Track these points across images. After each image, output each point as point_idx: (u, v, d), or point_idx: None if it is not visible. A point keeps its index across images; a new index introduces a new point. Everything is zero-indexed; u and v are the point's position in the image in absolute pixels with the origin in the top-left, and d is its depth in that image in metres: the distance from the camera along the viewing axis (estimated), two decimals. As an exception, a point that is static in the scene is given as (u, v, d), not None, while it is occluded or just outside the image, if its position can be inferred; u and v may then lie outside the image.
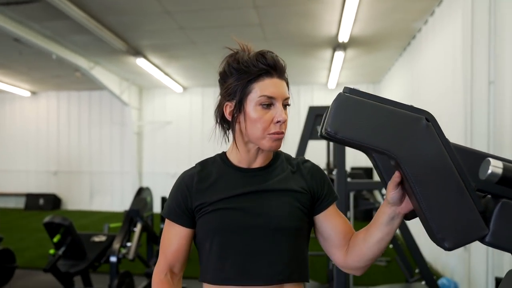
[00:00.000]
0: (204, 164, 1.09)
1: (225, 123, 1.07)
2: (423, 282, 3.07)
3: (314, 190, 1.07)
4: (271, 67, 0.98)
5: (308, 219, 1.06)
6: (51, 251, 3.26)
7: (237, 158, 1.06)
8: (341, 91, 0.79)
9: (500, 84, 2.98)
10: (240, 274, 0.98)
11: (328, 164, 4.39)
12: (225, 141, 1.09)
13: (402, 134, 0.74)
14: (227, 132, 1.08)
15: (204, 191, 1.03)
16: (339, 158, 2.69)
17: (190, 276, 4.35)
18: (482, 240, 0.72)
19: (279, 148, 1.02)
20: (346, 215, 2.57)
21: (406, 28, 5.10)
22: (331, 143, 3.44)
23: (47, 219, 3.25)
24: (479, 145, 3.07)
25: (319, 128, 2.93)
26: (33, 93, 9.96)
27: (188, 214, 1.04)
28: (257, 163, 1.05)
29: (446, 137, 0.75)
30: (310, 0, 4.28)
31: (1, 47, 5.99)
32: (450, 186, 0.73)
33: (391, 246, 3.28)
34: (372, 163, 0.95)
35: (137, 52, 6.23)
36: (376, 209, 3.23)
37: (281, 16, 4.78)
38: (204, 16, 4.76)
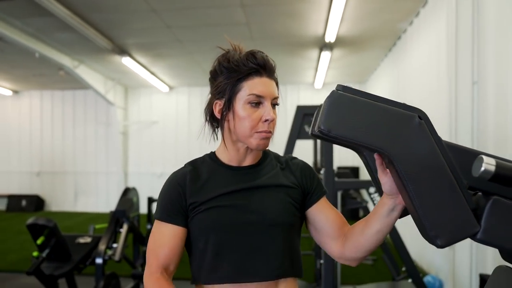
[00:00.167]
0: (194, 164, 1.08)
1: (214, 121, 1.08)
2: (410, 280, 3.10)
3: (304, 185, 1.08)
4: (260, 66, 0.99)
5: (300, 214, 1.07)
6: (35, 254, 3.19)
7: (227, 157, 1.06)
8: (334, 88, 0.79)
9: (483, 84, 3.03)
10: (237, 272, 0.97)
11: (315, 163, 4.40)
12: (214, 140, 1.10)
13: (395, 132, 0.74)
14: (216, 131, 1.09)
15: (197, 190, 1.02)
16: (327, 158, 2.69)
17: (180, 278, 4.34)
18: (473, 237, 0.73)
19: (266, 147, 1.03)
20: (334, 214, 2.57)
21: (392, 28, 5.15)
22: (318, 143, 3.45)
23: (30, 220, 3.18)
24: (463, 144, 3.10)
25: (307, 128, 2.94)
26: (15, 92, 9.76)
27: (183, 212, 1.02)
28: (247, 162, 1.06)
29: (439, 135, 0.76)
30: (297, 0, 4.29)
31: (-18, 45, 5.86)
32: (443, 184, 0.73)
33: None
34: (363, 161, 0.95)
35: (123, 51, 6.16)
36: (364, 208, 3.25)
37: (268, 16, 4.78)
38: (191, 14, 4.73)
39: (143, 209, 6.03)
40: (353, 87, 0.77)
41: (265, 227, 1.00)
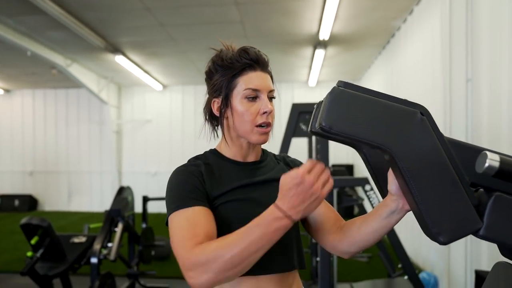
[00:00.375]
0: (201, 158, 1.07)
1: (214, 120, 1.09)
2: (406, 277, 3.12)
3: None
4: (254, 61, 1.01)
5: None
6: (29, 254, 3.17)
7: (231, 153, 1.06)
8: (335, 85, 0.78)
9: (477, 81, 3.05)
10: (255, 266, 0.94)
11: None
12: (214, 138, 1.10)
13: (397, 128, 0.73)
14: (216, 129, 1.10)
15: (213, 183, 1.00)
16: (322, 155, 2.70)
17: (173, 276, 4.33)
18: (476, 234, 0.73)
19: (267, 141, 1.03)
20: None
21: (386, 26, 5.17)
22: (314, 141, 3.45)
23: (24, 220, 3.15)
24: (458, 141, 3.12)
25: (302, 126, 2.94)
26: (7, 91, 9.66)
27: (207, 198, 0.97)
28: (251, 158, 1.08)
29: (440, 131, 0.76)
30: (291, -2, 4.29)
31: (-27, 43, 5.79)
32: (445, 180, 0.73)
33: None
34: (363, 158, 0.95)
35: (116, 49, 6.12)
36: (359, 205, 3.26)
37: (262, 14, 4.77)
38: (185, 13, 4.71)
39: (138, 208, 6.01)
40: (354, 83, 0.77)
41: None
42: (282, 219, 0.80)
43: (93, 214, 8.65)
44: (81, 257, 3.36)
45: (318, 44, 5.76)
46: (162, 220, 7.76)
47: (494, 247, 2.71)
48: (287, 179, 0.80)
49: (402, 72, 5.14)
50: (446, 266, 3.47)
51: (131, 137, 9.40)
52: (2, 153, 9.75)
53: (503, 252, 0.83)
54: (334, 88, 0.77)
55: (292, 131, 2.91)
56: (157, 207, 8.46)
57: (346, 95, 0.75)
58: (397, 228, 3.02)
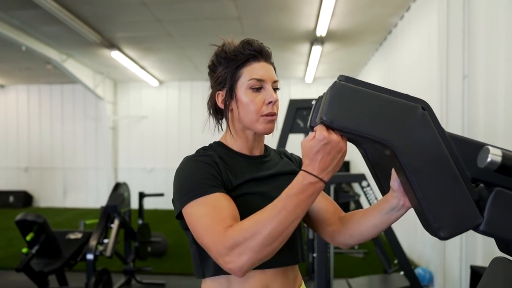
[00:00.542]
0: (211, 150, 1.04)
1: (218, 113, 1.08)
2: (402, 273, 3.13)
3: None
4: (257, 52, 1.01)
5: None
6: (24, 250, 3.15)
7: (237, 146, 1.05)
8: (337, 79, 0.78)
9: (474, 78, 3.05)
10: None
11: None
12: (218, 131, 1.10)
13: (398, 123, 0.73)
14: (221, 122, 1.09)
15: (228, 174, 0.98)
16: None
17: (169, 272, 4.33)
18: (476, 229, 0.73)
19: (272, 131, 1.03)
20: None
21: (383, 23, 5.17)
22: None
23: (19, 216, 3.14)
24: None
25: (299, 121, 2.94)
26: (1, 86, 9.59)
27: (224, 186, 0.94)
28: (257, 151, 1.07)
29: (442, 126, 0.75)
30: (288, -6, 4.28)
31: (-33, 38, 5.73)
32: (446, 175, 0.73)
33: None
34: (362, 154, 0.95)
35: (112, 45, 6.08)
36: (356, 201, 3.27)
37: (259, 10, 4.75)
38: (182, 8, 4.68)
39: (134, 204, 5.99)
40: (355, 78, 0.76)
41: None
42: (317, 183, 0.80)
43: (88, 211, 8.62)
44: (77, 254, 3.35)
45: (315, 40, 5.75)
46: (159, 217, 7.76)
47: (489, 243, 2.71)
48: (312, 143, 0.79)
49: (399, 69, 5.14)
50: (441, 261, 3.49)
51: (127, 133, 9.36)
52: (-3, 149, 9.70)
53: (501, 247, 0.83)
54: (335, 82, 0.76)
55: (290, 127, 2.91)
56: (153, 204, 8.43)
57: (347, 90, 0.74)
58: (393, 224, 3.02)
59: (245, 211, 0.90)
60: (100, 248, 3.29)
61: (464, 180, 0.73)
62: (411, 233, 4.59)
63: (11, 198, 9.29)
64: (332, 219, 1.06)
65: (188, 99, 9.12)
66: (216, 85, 1.04)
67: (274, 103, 0.99)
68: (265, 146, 1.13)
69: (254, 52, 1.00)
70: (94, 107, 9.22)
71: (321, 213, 1.07)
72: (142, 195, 4.75)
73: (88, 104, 9.31)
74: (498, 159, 0.66)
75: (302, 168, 0.82)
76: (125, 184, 4.25)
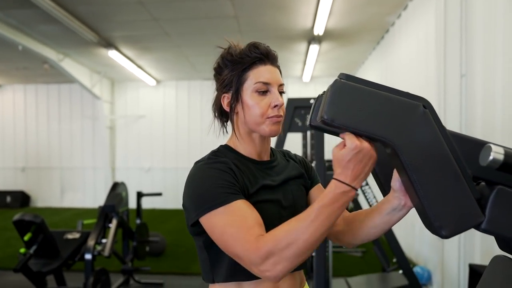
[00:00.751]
0: (221, 155, 1.02)
1: (223, 116, 1.07)
2: (400, 271, 3.14)
3: (307, 173, 1.14)
4: (264, 55, 1.00)
5: None
6: (22, 250, 3.14)
7: (246, 150, 1.04)
8: (337, 77, 0.77)
9: (471, 77, 3.06)
10: None
11: (305, 157, 4.41)
12: (223, 134, 1.09)
13: (399, 121, 0.73)
14: (226, 125, 1.09)
15: (244, 181, 0.97)
16: (318, 151, 2.70)
17: (168, 272, 4.33)
18: (478, 227, 0.73)
19: (279, 132, 1.02)
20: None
21: (380, 21, 5.17)
22: (308, 136, 3.45)
23: (17, 216, 3.13)
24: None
25: (297, 120, 2.93)
26: (-2, 86, 9.56)
27: (242, 191, 0.93)
28: (265, 156, 1.07)
29: (443, 124, 0.75)
30: (286, -8, 4.27)
31: (-37, 37, 5.70)
32: (447, 174, 0.72)
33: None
34: (362, 153, 0.94)
35: (109, 44, 6.06)
36: (354, 200, 3.27)
37: (256, 8, 4.75)
38: (179, 7, 4.67)
39: (131, 204, 5.98)
40: (356, 76, 0.76)
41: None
42: (349, 192, 0.80)
43: (86, 210, 8.60)
44: (75, 253, 3.34)
45: (312, 39, 5.75)
46: (156, 216, 7.75)
47: (487, 241, 2.72)
48: (344, 152, 0.79)
49: (396, 68, 5.15)
50: (439, 260, 3.50)
51: (124, 132, 9.34)
52: (-7, 149, 9.66)
53: (501, 246, 0.83)
54: (336, 80, 0.76)
55: (288, 126, 2.90)
56: (151, 203, 8.43)
57: (348, 88, 0.74)
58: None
59: (263, 218, 0.90)
60: (98, 248, 3.28)
61: (465, 178, 0.73)
62: (409, 231, 4.60)
63: (8, 198, 9.25)
64: None
65: (185, 98, 9.10)
66: (222, 87, 1.03)
67: (280, 106, 0.99)
68: (271, 149, 1.12)
69: (261, 55, 1.00)
70: (91, 106, 9.19)
71: None
72: (140, 195, 4.74)
73: (85, 103, 9.28)
74: (501, 157, 0.66)
75: (334, 177, 0.82)
76: (123, 184, 4.24)
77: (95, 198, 9.02)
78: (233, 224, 0.86)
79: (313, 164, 2.70)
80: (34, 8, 4.47)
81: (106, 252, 3.24)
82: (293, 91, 8.59)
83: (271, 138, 1.08)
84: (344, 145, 0.79)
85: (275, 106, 0.98)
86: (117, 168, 9.30)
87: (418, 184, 0.72)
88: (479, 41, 2.92)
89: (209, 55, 6.62)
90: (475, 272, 2.29)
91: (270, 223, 0.90)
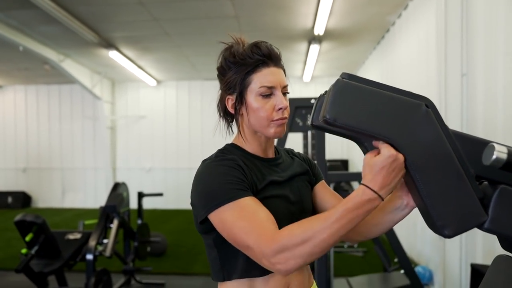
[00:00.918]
0: (228, 153, 1.03)
1: (228, 116, 1.08)
2: (402, 271, 3.14)
3: (311, 170, 1.16)
4: (266, 56, 1.00)
5: None
6: (23, 251, 3.14)
7: (252, 148, 1.06)
8: (339, 76, 0.77)
9: (472, 76, 3.05)
10: None
11: (306, 156, 4.40)
12: (229, 134, 1.10)
13: (402, 120, 0.73)
14: (231, 125, 1.09)
15: (253, 177, 0.98)
16: (319, 150, 2.69)
17: (169, 272, 4.33)
18: (481, 227, 0.73)
19: (283, 134, 1.03)
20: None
21: (381, 21, 5.16)
22: (309, 136, 3.45)
23: (18, 217, 3.13)
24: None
25: (298, 120, 2.92)
26: (-1, 87, 9.57)
27: (250, 188, 0.94)
28: (270, 153, 1.09)
29: (445, 123, 0.75)
30: (286, -8, 4.27)
31: (-37, 38, 5.70)
32: (450, 173, 0.72)
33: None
34: (364, 152, 0.94)
35: (109, 44, 6.06)
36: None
37: (257, 8, 4.75)
38: (179, 7, 4.67)
39: (133, 204, 5.99)
40: (358, 75, 0.76)
41: (300, 215, 1.01)
42: (375, 200, 0.79)
43: (87, 211, 8.61)
44: (77, 254, 3.34)
45: (312, 39, 5.75)
46: (158, 216, 7.75)
47: (489, 241, 2.71)
48: (378, 159, 0.77)
49: (397, 67, 5.14)
50: (441, 260, 3.49)
51: (125, 133, 9.34)
52: (-5, 149, 9.67)
53: (504, 246, 0.83)
54: (338, 80, 0.76)
55: (289, 126, 2.90)
56: (152, 203, 8.43)
57: (350, 87, 0.74)
58: (393, 223, 3.02)
59: (272, 213, 0.91)
60: (100, 248, 3.28)
61: (468, 178, 0.73)
62: (411, 231, 4.60)
63: (10, 199, 9.26)
64: None
65: (186, 98, 9.11)
66: (226, 89, 1.03)
67: (284, 109, 1.00)
68: (275, 147, 1.14)
69: (263, 57, 0.99)
70: (92, 107, 9.20)
71: (329, 207, 1.09)
72: (141, 195, 4.75)
73: (86, 104, 9.29)
74: (504, 156, 0.65)
75: (363, 182, 0.80)
76: (124, 184, 4.24)
77: (96, 199, 9.03)
78: (244, 218, 0.86)
79: (314, 164, 2.70)
80: (34, 9, 4.47)
81: (108, 253, 3.24)
82: (294, 91, 8.50)
83: None
84: (378, 153, 0.78)
85: (280, 109, 0.99)
86: (118, 168, 9.30)
87: (421, 184, 0.72)
88: (480, 40, 2.92)
89: (210, 55, 6.61)
90: (477, 272, 2.29)
91: (278, 218, 0.91)
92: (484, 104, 2.86)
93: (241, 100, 1.01)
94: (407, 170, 0.74)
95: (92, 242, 3.25)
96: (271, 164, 1.06)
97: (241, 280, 0.97)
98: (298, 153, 1.20)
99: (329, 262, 2.87)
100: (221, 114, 1.08)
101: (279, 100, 0.99)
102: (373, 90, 0.74)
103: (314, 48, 6.03)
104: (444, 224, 0.72)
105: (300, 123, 2.96)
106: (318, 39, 5.73)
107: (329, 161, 7.46)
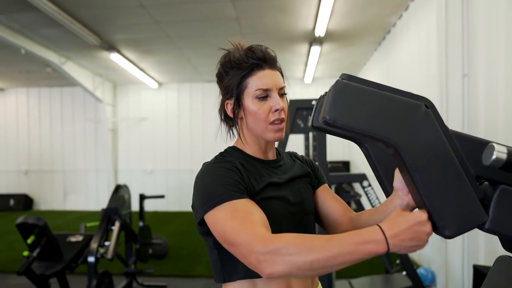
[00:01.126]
0: (228, 156, 1.04)
1: (229, 120, 1.09)
2: (404, 273, 3.13)
3: (313, 172, 1.17)
4: (261, 60, 1.01)
5: None
6: (25, 253, 3.14)
7: (252, 151, 1.07)
8: (339, 77, 0.77)
9: (473, 76, 3.05)
10: None
11: (307, 158, 4.40)
12: (230, 137, 1.12)
13: (402, 121, 0.73)
14: (232, 129, 1.11)
15: (250, 179, 0.99)
16: (320, 152, 2.69)
17: (171, 274, 4.32)
18: (481, 227, 0.72)
19: (282, 137, 1.04)
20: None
21: (381, 22, 5.17)
22: (311, 137, 3.45)
23: (20, 219, 3.13)
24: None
25: (299, 122, 2.93)
26: (1, 89, 9.59)
27: (247, 190, 0.95)
28: (271, 155, 1.10)
29: (446, 124, 0.75)
30: (287, -6, 4.27)
31: (-35, 42, 5.72)
32: (450, 173, 0.72)
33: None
34: (364, 153, 0.94)
35: (111, 47, 6.08)
36: (356, 201, 3.27)
37: (258, 10, 4.75)
38: (180, 9, 4.68)
39: (134, 206, 5.99)
40: (357, 76, 0.76)
41: (301, 217, 1.04)
42: (380, 243, 0.75)
43: (89, 213, 8.61)
44: (78, 256, 3.34)
45: (313, 40, 5.75)
46: (159, 218, 7.75)
47: (491, 242, 2.70)
48: (410, 214, 0.75)
49: (398, 68, 5.14)
50: (443, 261, 3.48)
51: (126, 135, 9.36)
52: (-3, 152, 9.69)
53: (505, 246, 0.83)
54: (337, 81, 0.76)
55: (290, 127, 2.90)
56: (154, 205, 8.44)
57: (350, 88, 0.74)
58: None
59: (267, 216, 0.91)
60: (101, 250, 3.28)
61: (468, 178, 0.73)
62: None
63: (12, 202, 9.28)
64: (342, 219, 1.09)
65: (187, 101, 9.12)
66: (225, 94, 1.06)
67: (280, 110, 1.01)
68: (276, 149, 1.15)
69: (258, 60, 1.01)
70: (93, 109, 9.22)
71: (333, 214, 1.11)
72: (142, 197, 4.74)
73: (88, 106, 9.31)
74: (504, 156, 0.65)
75: (380, 224, 0.78)
76: (125, 186, 4.24)
77: (98, 201, 9.03)
78: (237, 218, 0.86)
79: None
80: (36, 12, 4.49)
81: (109, 255, 3.24)
82: (295, 92, 8.58)
83: None
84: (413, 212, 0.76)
85: (276, 110, 1.00)
86: (119, 170, 9.31)
87: (421, 184, 0.72)
88: (481, 41, 2.91)
89: (211, 57, 6.62)
90: (479, 273, 2.28)
91: (277, 219, 0.93)
92: (485, 104, 2.86)
93: (238, 104, 1.03)
94: (407, 171, 0.73)
95: (93, 245, 3.25)
96: (271, 166, 1.07)
97: (242, 281, 0.97)
98: (301, 156, 1.20)
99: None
100: (222, 119, 1.10)
101: (275, 102, 1.00)
102: (372, 91, 0.74)
103: (315, 49, 6.03)
104: (445, 224, 0.72)
105: (302, 125, 2.96)
106: (319, 41, 5.73)
107: (331, 162, 7.45)
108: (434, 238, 3.51)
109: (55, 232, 3.32)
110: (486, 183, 0.76)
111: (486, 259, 2.79)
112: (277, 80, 1.02)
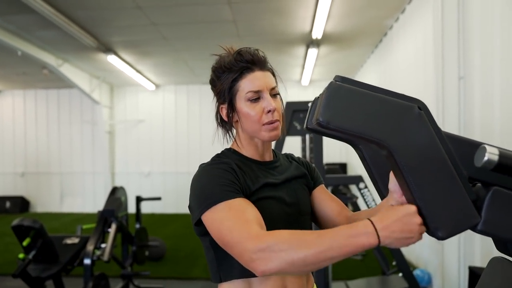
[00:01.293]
0: (225, 157, 1.05)
1: (226, 124, 1.11)
2: (400, 274, 3.13)
3: (309, 173, 1.17)
4: (249, 62, 1.02)
5: None
6: (21, 256, 3.13)
7: (249, 152, 1.08)
8: (333, 79, 0.77)
9: (469, 79, 3.07)
10: None
11: (304, 160, 4.40)
12: (227, 141, 1.13)
13: (394, 123, 0.73)
14: (229, 132, 1.12)
15: (246, 180, 1.00)
16: (317, 154, 2.70)
17: (167, 277, 4.31)
18: (474, 229, 0.73)
19: (278, 137, 1.05)
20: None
21: (378, 25, 5.19)
22: (307, 139, 3.45)
23: (15, 222, 3.11)
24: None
25: (296, 124, 2.93)
26: (-3, 91, 9.57)
27: (243, 192, 0.95)
28: (268, 157, 1.11)
29: (438, 125, 0.75)
30: (284, -3, 4.29)
31: (-38, 43, 5.70)
32: (443, 175, 0.72)
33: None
34: (359, 155, 0.94)
35: (108, 49, 6.07)
36: (353, 203, 3.27)
37: (255, 13, 4.76)
38: (177, 12, 4.68)
39: (131, 208, 5.98)
40: (351, 78, 0.76)
41: (297, 217, 1.05)
42: (370, 235, 0.75)
43: (85, 215, 8.58)
44: (74, 258, 3.33)
45: (311, 43, 5.76)
46: (156, 221, 7.73)
47: (487, 244, 2.71)
48: (400, 207, 0.76)
49: (394, 71, 5.16)
50: (439, 262, 3.49)
51: (123, 137, 9.34)
52: (-7, 154, 9.65)
53: (499, 247, 0.83)
54: (331, 83, 0.76)
55: (286, 129, 2.90)
56: (151, 208, 8.42)
57: (343, 90, 0.74)
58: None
59: (262, 216, 0.92)
60: (98, 252, 3.27)
61: (461, 180, 0.73)
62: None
63: (8, 204, 9.23)
64: (339, 218, 1.09)
65: (184, 103, 9.12)
66: (219, 99, 1.07)
67: (273, 111, 1.01)
68: (273, 151, 1.15)
69: (246, 63, 1.01)
70: (90, 111, 9.20)
71: (329, 214, 1.11)
72: (139, 199, 4.73)
73: (85, 108, 9.29)
74: (495, 157, 0.66)
75: (370, 218, 0.78)
76: (122, 188, 4.23)
77: (95, 203, 9.01)
78: (232, 217, 0.87)
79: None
80: (33, 14, 4.48)
81: (106, 257, 3.22)
82: (292, 95, 8.56)
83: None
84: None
85: (269, 111, 1.01)
86: (116, 173, 9.29)
87: (414, 186, 0.72)
88: (476, 44, 2.93)
89: (208, 59, 6.62)
90: (475, 275, 2.29)
91: (273, 220, 0.94)
92: (481, 106, 2.87)
93: (232, 107, 1.04)
94: (400, 172, 0.74)
95: (90, 247, 3.24)
96: (268, 167, 1.08)
97: (237, 281, 0.98)
98: (298, 157, 1.21)
99: (328, 266, 2.87)
100: (219, 123, 1.11)
101: (267, 103, 1.01)
102: (365, 93, 0.75)
103: (312, 52, 6.05)
104: (438, 226, 0.72)
105: (298, 127, 2.97)
106: (316, 43, 5.75)
107: (327, 164, 7.46)
108: (430, 240, 3.51)
109: (51, 234, 3.30)
110: (478, 184, 0.77)
111: (482, 261, 2.80)
112: (267, 81, 1.03)
